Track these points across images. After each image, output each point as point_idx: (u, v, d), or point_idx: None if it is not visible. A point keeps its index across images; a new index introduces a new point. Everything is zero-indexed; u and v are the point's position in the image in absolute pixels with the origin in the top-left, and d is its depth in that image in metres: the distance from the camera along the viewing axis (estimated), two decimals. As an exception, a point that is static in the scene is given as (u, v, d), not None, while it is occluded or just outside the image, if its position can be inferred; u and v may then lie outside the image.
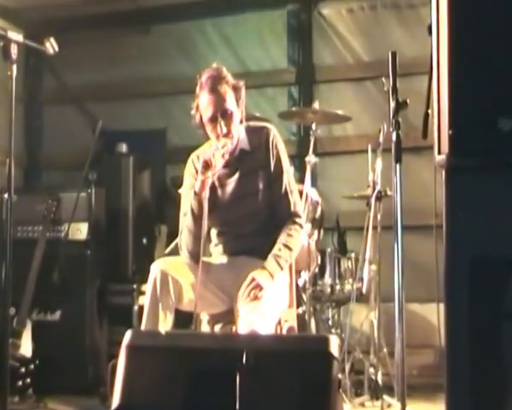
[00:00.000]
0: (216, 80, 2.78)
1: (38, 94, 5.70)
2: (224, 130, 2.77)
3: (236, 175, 2.88)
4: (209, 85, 2.77)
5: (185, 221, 2.82)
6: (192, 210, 2.76)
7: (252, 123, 2.98)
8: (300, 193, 3.49)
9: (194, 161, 2.90)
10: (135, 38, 5.47)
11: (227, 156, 2.79)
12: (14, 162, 2.67)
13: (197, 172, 2.79)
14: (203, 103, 2.80)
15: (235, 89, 2.83)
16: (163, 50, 5.39)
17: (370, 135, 4.27)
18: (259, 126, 2.95)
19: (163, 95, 5.40)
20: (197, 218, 2.74)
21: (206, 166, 2.70)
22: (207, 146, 2.88)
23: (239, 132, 2.88)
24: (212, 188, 2.81)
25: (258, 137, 2.89)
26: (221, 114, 2.77)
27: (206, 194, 2.71)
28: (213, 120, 2.78)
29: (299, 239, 2.86)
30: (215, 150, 2.72)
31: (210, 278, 2.77)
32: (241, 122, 2.90)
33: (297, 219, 2.86)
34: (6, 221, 2.65)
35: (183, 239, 2.83)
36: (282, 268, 2.75)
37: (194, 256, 2.76)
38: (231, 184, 2.89)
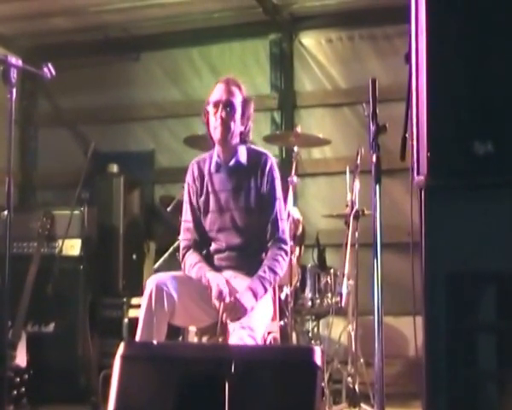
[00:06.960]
0: (233, 82, 2.96)
1: (33, 117, 5.78)
2: (224, 115, 2.88)
3: (229, 186, 2.97)
4: (225, 81, 2.96)
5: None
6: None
7: (253, 146, 3.09)
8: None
9: (194, 167, 3.04)
10: (125, 65, 5.59)
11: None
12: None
13: (194, 178, 2.97)
14: (213, 91, 2.95)
15: (245, 101, 2.96)
16: (152, 77, 5.50)
17: (348, 157, 4.39)
18: (261, 151, 3.03)
19: (151, 119, 5.51)
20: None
21: None
22: (207, 155, 3.04)
23: (238, 147, 2.97)
24: (206, 193, 2.96)
25: (256, 158, 2.97)
26: (226, 103, 2.90)
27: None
28: (217, 104, 2.91)
29: (284, 265, 2.91)
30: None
31: (197, 291, 2.84)
32: (245, 142, 3.00)
33: (284, 246, 2.92)
34: (4, 238, 2.70)
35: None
36: (265, 290, 2.82)
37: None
38: (224, 193, 2.98)
